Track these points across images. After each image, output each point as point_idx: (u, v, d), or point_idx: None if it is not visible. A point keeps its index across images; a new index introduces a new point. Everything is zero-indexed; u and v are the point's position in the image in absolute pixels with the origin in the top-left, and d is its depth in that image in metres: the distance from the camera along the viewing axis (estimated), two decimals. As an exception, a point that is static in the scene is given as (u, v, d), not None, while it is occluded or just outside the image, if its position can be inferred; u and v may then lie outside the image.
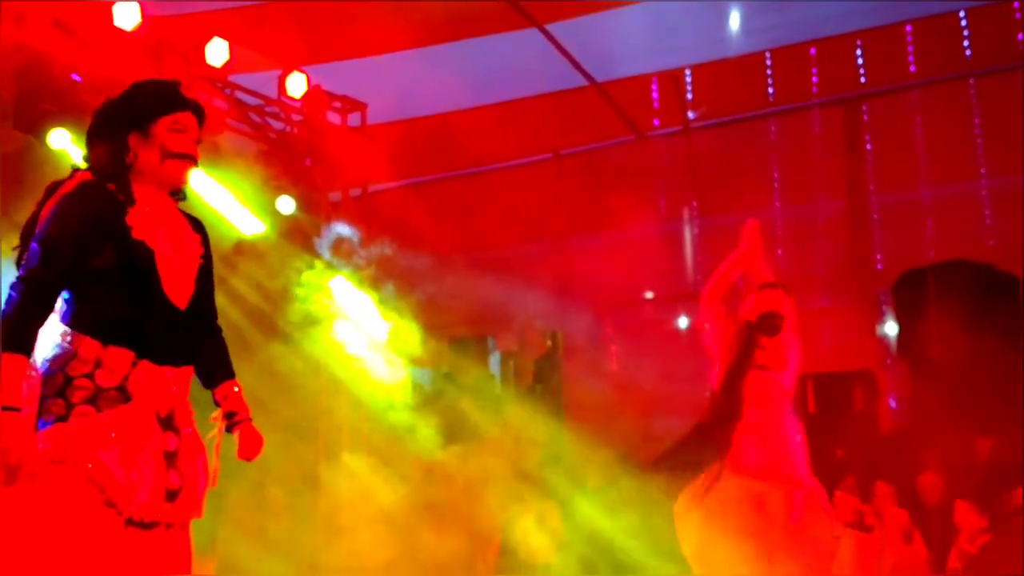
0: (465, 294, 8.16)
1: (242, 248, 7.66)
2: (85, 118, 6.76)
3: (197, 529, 4.49)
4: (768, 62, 9.26)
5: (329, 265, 8.02)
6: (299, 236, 7.95)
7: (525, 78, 8.88)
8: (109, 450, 2.63)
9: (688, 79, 9.52)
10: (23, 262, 2.73)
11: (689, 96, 9.59)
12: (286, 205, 7.84)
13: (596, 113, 9.28)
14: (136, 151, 2.83)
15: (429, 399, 8.53)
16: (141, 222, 2.79)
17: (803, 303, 9.11)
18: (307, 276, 7.78)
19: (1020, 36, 8.58)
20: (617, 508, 7.26)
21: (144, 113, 2.85)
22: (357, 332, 7.99)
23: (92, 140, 2.90)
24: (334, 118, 8.48)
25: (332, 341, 8.04)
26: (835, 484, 7.56)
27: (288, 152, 8.06)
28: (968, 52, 8.81)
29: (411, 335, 8.01)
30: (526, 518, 7.34)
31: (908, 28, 8.90)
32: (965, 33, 8.78)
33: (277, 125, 8.11)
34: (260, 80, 7.84)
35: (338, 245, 8.14)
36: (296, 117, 8.17)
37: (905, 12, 8.58)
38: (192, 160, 2.89)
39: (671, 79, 9.42)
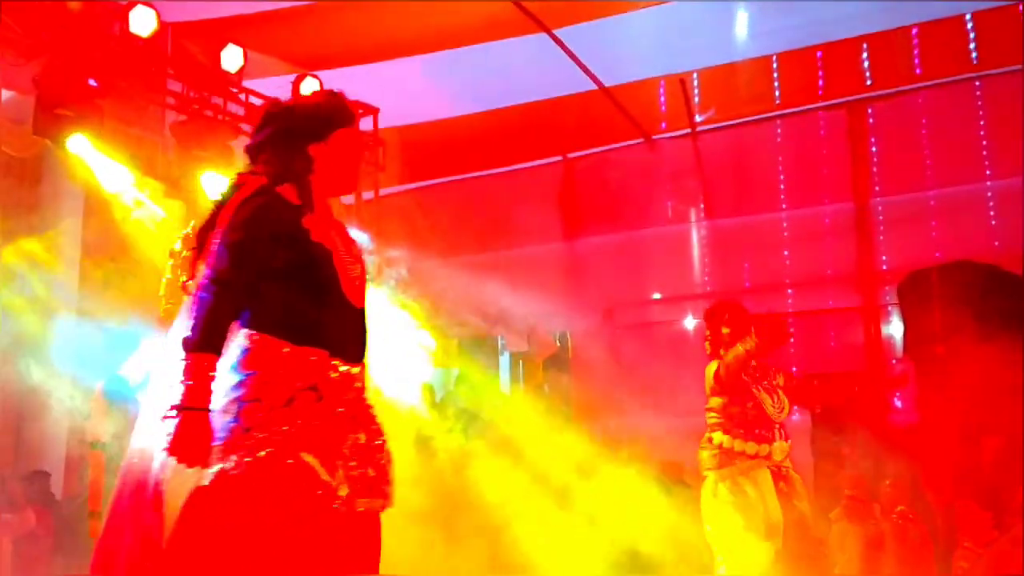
0: (475, 295, 8.24)
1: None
2: (103, 123, 6.89)
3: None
4: (774, 65, 9.32)
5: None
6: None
7: (534, 82, 8.95)
8: (311, 449, 2.67)
9: (695, 83, 9.58)
10: (212, 264, 2.73)
11: (696, 99, 9.64)
12: (299, 208, 7.94)
13: (604, 116, 9.34)
14: (316, 160, 2.90)
15: (440, 398, 8.61)
16: (317, 226, 2.86)
17: (810, 303, 9.27)
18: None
19: (1026, 39, 8.61)
20: (625, 507, 7.31)
21: (326, 124, 2.92)
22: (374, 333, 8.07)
23: (270, 147, 2.93)
24: (346, 122, 8.58)
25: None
26: (842, 483, 7.64)
27: (301, 156, 8.16)
28: (974, 55, 8.84)
29: (422, 336, 8.09)
30: (535, 517, 7.39)
31: (914, 31, 8.94)
32: (971, 36, 8.82)
33: (291, 129, 8.21)
34: (274, 85, 7.94)
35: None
36: (309, 121, 8.27)
37: (911, 15, 8.63)
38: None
39: (678, 83, 9.47)
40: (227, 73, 7.43)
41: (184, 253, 5.02)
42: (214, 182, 7.46)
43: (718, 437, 5.30)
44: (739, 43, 8.71)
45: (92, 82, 6.80)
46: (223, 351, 2.67)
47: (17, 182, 7.84)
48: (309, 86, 7.90)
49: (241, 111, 7.78)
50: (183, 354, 2.62)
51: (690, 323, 9.70)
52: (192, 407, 2.59)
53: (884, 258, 9.10)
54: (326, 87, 8.63)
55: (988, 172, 8.76)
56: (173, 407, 2.59)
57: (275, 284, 2.76)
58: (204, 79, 7.44)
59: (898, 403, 8.69)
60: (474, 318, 9.05)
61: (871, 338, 8.83)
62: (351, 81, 8.39)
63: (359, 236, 8.36)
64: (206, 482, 2.64)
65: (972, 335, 7.67)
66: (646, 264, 9.94)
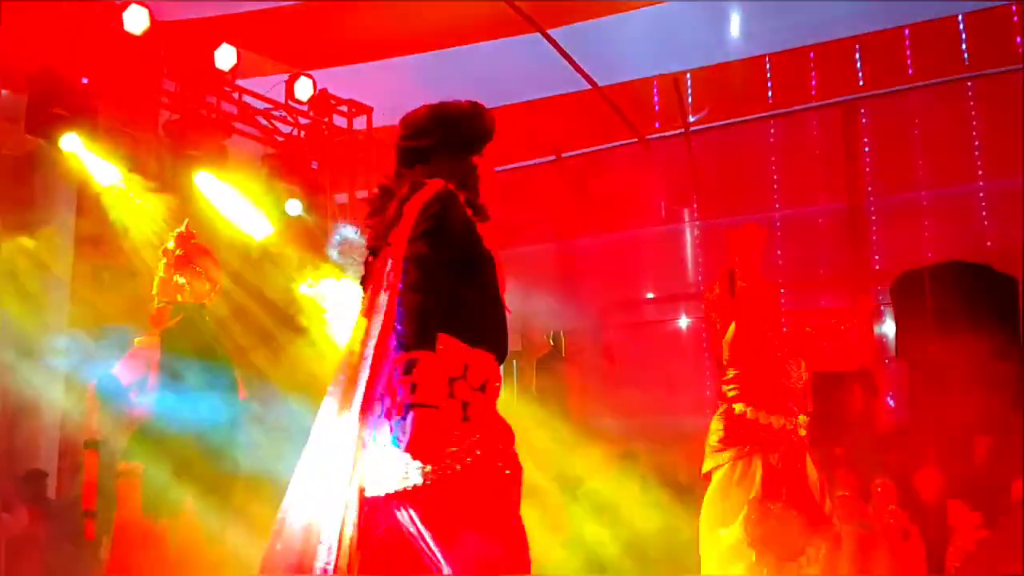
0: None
1: (251, 249, 7.77)
2: (96, 122, 6.87)
3: (208, 521, 4.61)
4: (767, 66, 9.34)
5: (335, 266, 8.12)
6: (306, 237, 8.05)
7: (529, 82, 8.96)
8: (508, 443, 2.83)
9: (689, 83, 9.61)
10: (417, 263, 2.76)
11: (690, 99, 9.67)
12: (293, 207, 7.95)
13: (598, 116, 9.36)
14: (476, 170, 3.05)
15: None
16: (484, 233, 2.96)
17: (803, 303, 9.30)
18: (314, 277, 7.87)
19: (1018, 39, 8.65)
20: (619, 505, 7.32)
21: (484, 137, 3.07)
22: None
23: (439, 152, 3.01)
24: (340, 121, 8.59)
25: (337, 342, 8.12)
26: (834, 482, 7.66)
27: (295, 155, 8.17)
28: (966, 55, 8.88)
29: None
30: (526, 516, 7.39)
31: (906, 32, 8.97)
32: (963, 36, 8.86)
33: (284, 128, 8.21)
34: (267, 84, 7.94)
35: (344, 246, 8.24)
36: (303, 121, 8.28)
37: (903, 16, 8.66)
38: None
39: (672, 83, 9.50)
40: (220, 72, 7.41)
41: (177, 252, 5.02)
42: (208, 181, 7.46)
43: (740, 407, 5.02)
44: (732, 43, 8.73)
45: (85, 81, 6.79)
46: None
47: (10, 179, 7.82)
48: (303, 85, 7.91)
49: (234, 110, 7.78)
50: (404, 352, 2.67)
51: (683, 322, 9.73)
52: (424, 404, 2.63)
53: (877, 258, 9.14)
54: (320, 86, 8.64)
55: (980, 172, 8.80)
56: (405, 404, 2.64)
57: (460, 286, 2.81)
58: (197, 78, 7.43)
59: (891, 403, 8.73)
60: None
61: (863, 338, 8.85)
62: (345, 80, 8.41)
63: (352, 234, 8.38)
64: (421, 480, 2.68)
65: (964, 335, 7.70)
66: (639, 264, 9.96)
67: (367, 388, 2.76)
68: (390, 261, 2.83)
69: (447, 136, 3.00)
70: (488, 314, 2.87)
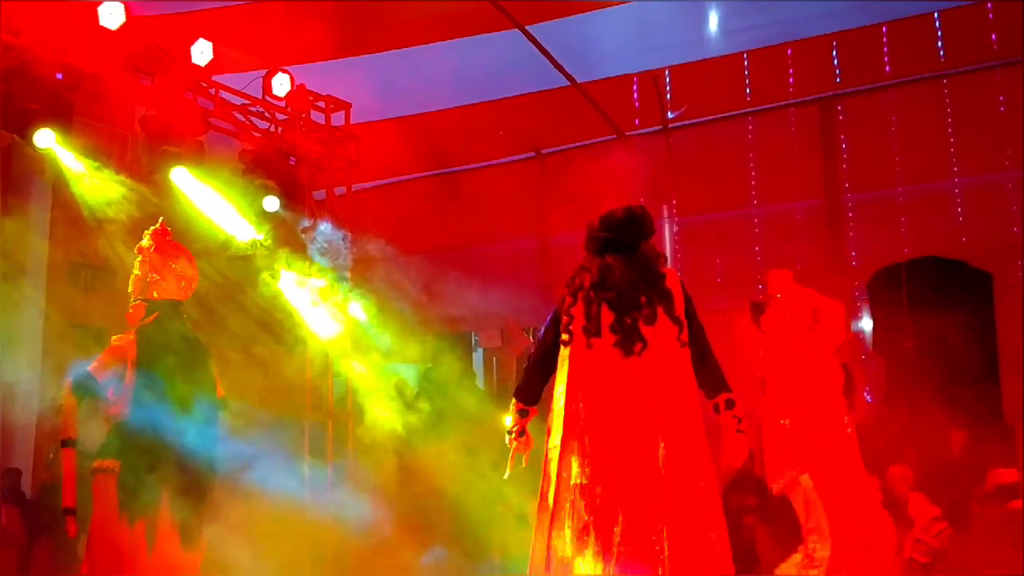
0: (448, 291, 8.24)
1: (228, 246, 7.74)
2: (71, 118, 6.81)
3: (184, 519, 4.58)
4: (746, 63, 9.37)
5: (314, 263, 8.10)
6: (284, 234, 8.02)
7: (507, 78, 8.95)
8: None
9: (668, 79, 9.63)
10: (700, 326, 4.05)
11: (668, 96, 9.69)
12: (271, 204, 7.91)
13: (577, 113, 9.37)
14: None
15: (412, 395, 8.61)
16: None
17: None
18: (291, 273, 7.85)
19: (993, 37, 8.71)
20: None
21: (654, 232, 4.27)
22: (340, 329, 8.07)
23: (641, 242, 4.14)
24: (318, 117, 8.56)
25: (315, 338, 8.11)
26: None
27: (273, 151, 8.13)
28: (942, 53, 8.94)
29: (395, 332, 8.09)
30: (514, 515, 7.40)
31: (883, 29, 9.02)
32: (939, 34, 8.91)
33: (262, 124, 8.17)
34: (244, 80, 7.91)
35: (323, 243, 8.22)
36: (281, 117, 8.24)
37: (880, 14, 8.70)
38: None
39: (651, 79, 9.51)
40: (197, 67, 7.37)
41: (153, 249, 4.98)
42: (184, 177, 7.42)
43: None
44: (711, 40, 8.75)
45: (60, 76, 6.73)
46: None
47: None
48: (280, 81, 7.88)
49: (211, 106, 7.73)
50: (725, 393, 4.00)
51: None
52: (745, 431, 4.01)
53: (854, 254, 9.19)
54: (297, 82, 8.58)
55: (956, 169, 8.86)
56: (736, 431, 3.96)
57: None
58: (174, 74, 7.39)
59: (868, 398, 8.78)
60: (447, 314, 9.04)
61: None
62: (323, 76, 8.37)
63: (333, 232, 8.36)
64: None
65: (940, 331, 7.76)
66: (618, 260, 9.92)
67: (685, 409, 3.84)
68: (681, 329, 3.91)
69: (643, 232, 4.13)
70: None
